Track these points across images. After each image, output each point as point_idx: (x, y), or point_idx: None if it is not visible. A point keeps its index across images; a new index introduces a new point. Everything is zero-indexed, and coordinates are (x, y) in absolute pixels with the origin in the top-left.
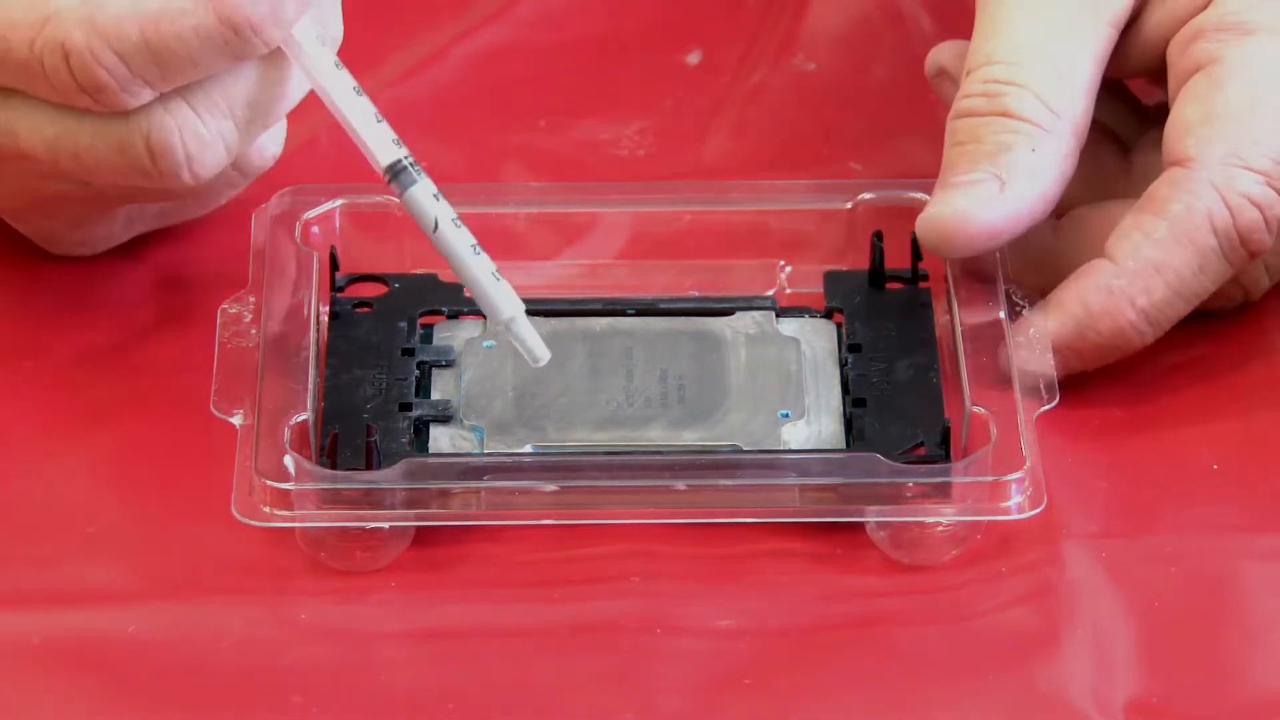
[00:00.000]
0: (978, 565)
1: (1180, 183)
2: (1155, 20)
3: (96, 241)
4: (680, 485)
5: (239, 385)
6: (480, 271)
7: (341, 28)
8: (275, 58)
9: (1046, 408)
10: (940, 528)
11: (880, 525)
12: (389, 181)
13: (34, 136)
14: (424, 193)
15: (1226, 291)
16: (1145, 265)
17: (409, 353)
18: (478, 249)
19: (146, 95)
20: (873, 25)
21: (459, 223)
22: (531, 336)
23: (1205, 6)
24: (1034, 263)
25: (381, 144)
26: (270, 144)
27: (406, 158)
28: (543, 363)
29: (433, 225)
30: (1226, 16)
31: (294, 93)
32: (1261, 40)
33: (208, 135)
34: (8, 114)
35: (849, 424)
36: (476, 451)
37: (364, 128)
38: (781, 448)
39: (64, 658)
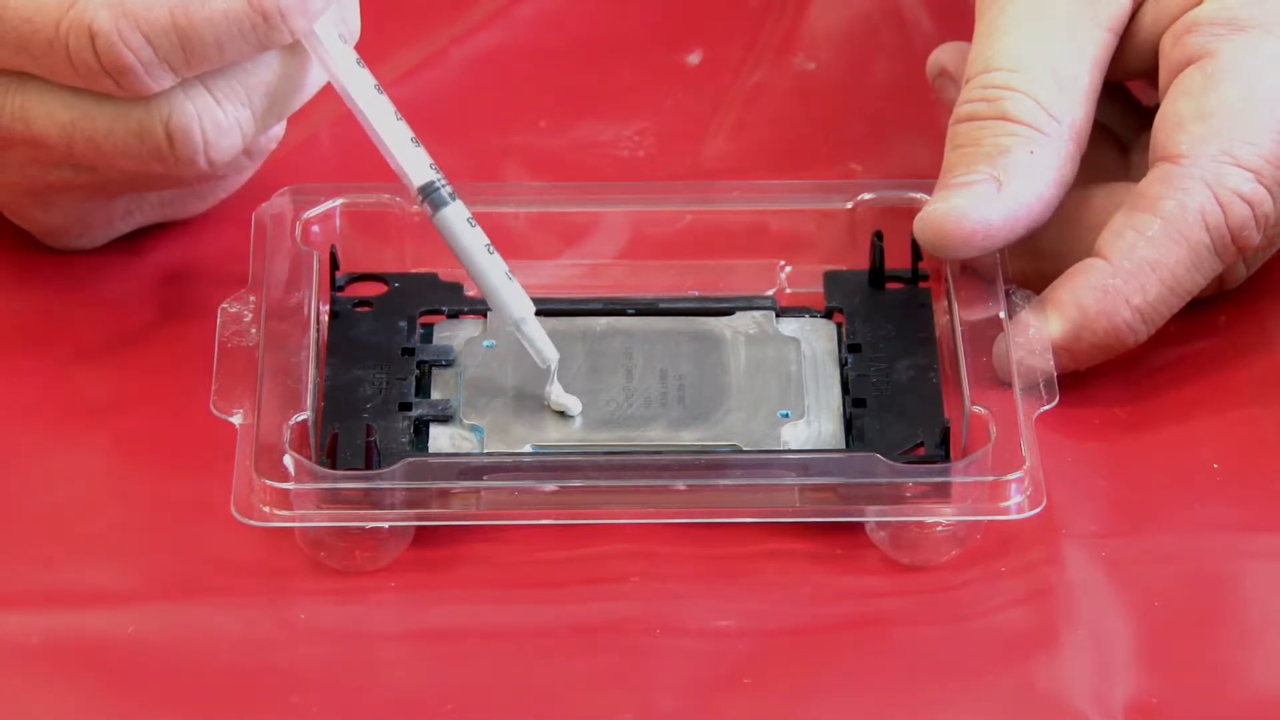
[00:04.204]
0: (978, 565)
1: (1172, 179)
2: (1150, 19)
3: (95, 234)
4: (680, 485)
5: (239, 385)
6: (493, 271)
7: (359, 24)
8: (295, 49)
9: (1046, 407)
10: (940, 528)
11: (880, 525)
12: (422, 203)
13: (48, 121)
14: (441, 190)
15: None
16: (1140, 264)
17: (409, 352)
18: (491, 249)
19: (169, 80)
20: (873, 25)
21: (473, 222)
22: (541, 337)
23: (1199, 2)
24: (1016, 246)
25: (401, 147)
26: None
27: (432, 168)
28: (552, 364)
29: (448, 224)
30: (1220, 12)
31: (311, 85)
32: (1254, 36)
33: (226, 122)
34: (22, 98)
35: (849, 424)
36: (476, 451)
37: (383, 128)
38: (781, 448)
39: (64, 658)
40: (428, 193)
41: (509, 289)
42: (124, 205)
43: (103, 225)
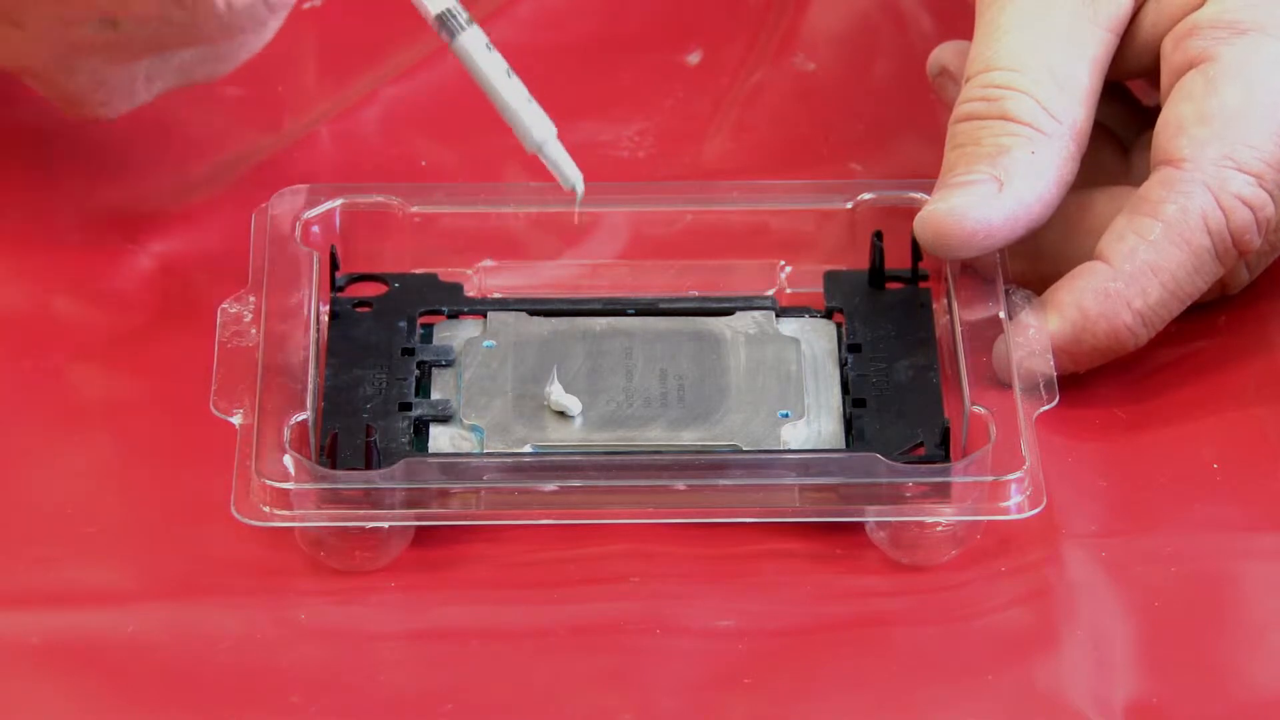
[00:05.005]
0: (978, 565)
1: (1173, 183)
2: (1151, 20)
3: (118, 101)
4: (680, 485)
5: (239, 385)
6: (513, 95)
7: None
8: None
9: (1046, 407)
10: (940, 528)
11: (880, 525)
12: (440, 31)
13: None
14: (458, 17)
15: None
16: (1141, 267)
17: (409, 352)
18: (510, 73)
19: None
20: (873, 25)
21: (491, 47)
22: (564, 159)
23: (1200, 5)
24: (1016, 247)
25: None
26: None
27: None
28: (577, 188)
29: (464, 49)
30: (1222, 14)
31: None
32: (1256, 39)
33: None
34: None
35: (849, 424)
36: (476, 451)
37: None
38: (781, 448)
39: (64, 658)
40: (444, 20)
41: (530, 111)
42: (145, 69)
43: (125, 90)
